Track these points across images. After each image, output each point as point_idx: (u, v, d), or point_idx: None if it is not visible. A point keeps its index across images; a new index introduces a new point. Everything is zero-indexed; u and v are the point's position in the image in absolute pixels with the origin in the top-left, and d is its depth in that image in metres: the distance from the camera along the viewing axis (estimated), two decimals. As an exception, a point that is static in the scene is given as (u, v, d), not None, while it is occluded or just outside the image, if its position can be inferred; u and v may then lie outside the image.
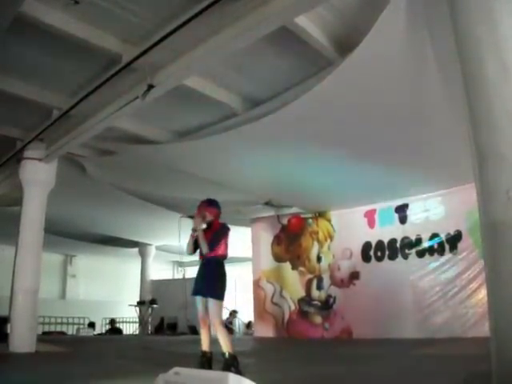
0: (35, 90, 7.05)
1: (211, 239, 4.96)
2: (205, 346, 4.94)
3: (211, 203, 5.21)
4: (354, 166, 8.56)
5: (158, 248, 18.60)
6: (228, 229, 5.19)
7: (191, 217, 5.23)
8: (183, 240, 5.33)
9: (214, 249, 4.96)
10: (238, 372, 4.50)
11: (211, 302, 4.85)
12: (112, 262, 20.29)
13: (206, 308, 4.91)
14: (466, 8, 3.22)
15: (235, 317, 16.49)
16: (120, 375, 4.98)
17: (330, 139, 7.46)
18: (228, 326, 16.31)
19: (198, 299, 4.98)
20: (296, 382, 4.47)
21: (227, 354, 4.69)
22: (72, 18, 5.34)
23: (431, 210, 10.16)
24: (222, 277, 5.02)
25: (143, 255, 18.57)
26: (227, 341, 4.77)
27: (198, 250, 5.11)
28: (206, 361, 4.85)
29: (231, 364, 4.61)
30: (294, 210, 12.30)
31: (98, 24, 5.51)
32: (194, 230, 5.06)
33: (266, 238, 12.84)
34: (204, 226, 5.09)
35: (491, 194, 2.92)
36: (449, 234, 9.75)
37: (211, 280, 4.92)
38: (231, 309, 16.40)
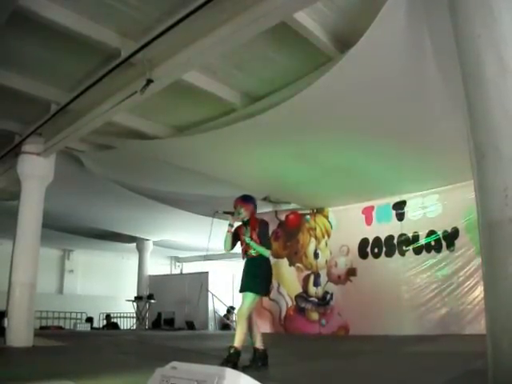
0: (34, 84, 7.03)
1: (259, 238, 4.97)
2: (258, 343, 4.94)
3: (247, 199, 5.20)
4: (352, 163, 8.57)
5: (155, 243, 18.63)
6: (268, 224, 5.27)
7: (227, 212, 5.18)
8: (216, 236, 5.34)
9: (269, 245, 5.04)
10: (230, 366, 4.53)
11: (246, 295, 4.85)
12: (110, 257, 20.34)
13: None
14: (465, 6, 3.22)
15: (232, 313, 16.53)
16: (117, 369, 4.98)
17: (328, 136, 7.47)
18: (225, 322, 16.36)
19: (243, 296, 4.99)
20: (295, 376, 4.48)
21: (233, 349, 4.67)
22: (71, 12, 5.33)
23: (429, 207, 10.17)
24: (267, 273, 5.03)
25: (141, 250, 18.61)
26: (242, 337, 4.74)
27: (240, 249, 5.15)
28: (259, 356, 4.86)
29: (231, 360, 4.57)
30: (291, 206, 12.32)
31: (97, 18, 5.49)
32: (231, 225, 5.08)
33: (264, 233, 12.82)
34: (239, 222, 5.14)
35: (489, 191, 2.92)
36: (446, 231, 9.77)
37: (255, 276, 4.92)
38: (228, 305, 16.44)
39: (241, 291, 4.98)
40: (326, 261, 11.61)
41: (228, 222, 5.15)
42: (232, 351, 4.66)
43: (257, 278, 4.91)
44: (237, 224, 5.24)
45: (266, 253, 4.98)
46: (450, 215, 9.71)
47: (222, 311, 16.71)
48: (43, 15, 5.22)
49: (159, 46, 5.51)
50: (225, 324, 16.39)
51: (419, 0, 4.54)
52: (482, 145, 2.99)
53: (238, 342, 4.71)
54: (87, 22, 5.50)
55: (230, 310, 16.40)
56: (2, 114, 8.06)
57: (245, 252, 5.08)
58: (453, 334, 8.85)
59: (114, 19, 5.52)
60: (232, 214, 5.12)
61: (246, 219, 5.10)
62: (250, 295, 4.84)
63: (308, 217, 12.15)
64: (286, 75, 6.77)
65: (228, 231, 5.11)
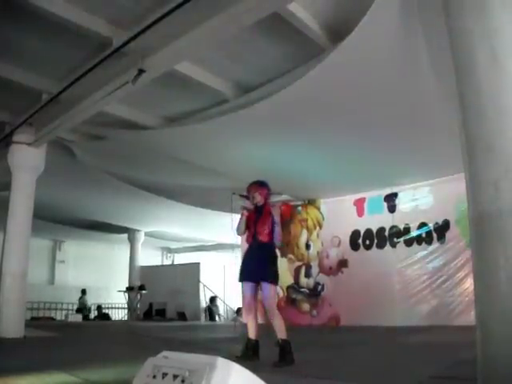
0: (24, 73, 6.96)
1: (270, 224, 4.86)
2: (251, 333, 4.88)
3: (262, 184, 5.06)
4: (344, 155, 8.58)
5: (147, 234, 18.62)
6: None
7: (244, 196, 5.08)
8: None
9: (279, 233, 4.93)
10: (291, 357, 4.53)
11: (267, 286, 4.74)
12: (101, 248, 20.28)
13: (254, 294, 4.85)
14: (458, 0, 3.22)
15: (215, 304, 16.43)
16: (108, 359, 4.99)
17: (320, 127, 7.46)
18: (212, 312, 16.30)
19: (247, 285, 4.87)
20: (285, 366, 4.50)
21: (280, 340, 4.61)
22: (62, 1, 5.27)
23: (420, 200, 10.25)
24: (275, 261, 4.93)
25: (132, 241, 18.59)
26: (282, 327, 4.68)
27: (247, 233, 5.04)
28: (251, 347, 4.80)
29: (285, 349, 4.56)
30: (283, 197, 12.32)
31: (89, 7, 5.44)
32: (247, 209, 4.98)
33: (256, 225, 12.83)
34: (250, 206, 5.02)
35: (480, 184, 2.93)
36: (437, 223, 9.85)
37: (267, 264, 4.80)
38: (210, 295, 16.39)
39: (252, 280, 4.84)
40: (318, 252, 11.67)
41: (243, 206, 5.08)
42: (281, 342, 4.60)
43: (268, 265, 4.79)
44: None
45: (278, 242, 4.90)
46: (441, 208, 9.78)
47: (204, 302, 16.58)
48: (34, 3, 5.15)
49: (151, 35, 5.46)
50: (212, 316, 16.26)
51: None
52: (473, 137, 3.00)
53: (282, 334, 4.64)
54: (79, 11, 5.44)
55: (213, 299, 16.28)
56: (-8, 103, 7.99)
57: (252, 237, 4.95)
58: (443, 325, 8.93)
59: (106, 8, 5.47)
60: (248, 198, 5.02)
61: (259, 204, 4.99)
62: (271, 286, 4.76)
63: (300, 208, 12.18)
64: (279, 66, 6.75)
65: (243, 215, 5.00)
